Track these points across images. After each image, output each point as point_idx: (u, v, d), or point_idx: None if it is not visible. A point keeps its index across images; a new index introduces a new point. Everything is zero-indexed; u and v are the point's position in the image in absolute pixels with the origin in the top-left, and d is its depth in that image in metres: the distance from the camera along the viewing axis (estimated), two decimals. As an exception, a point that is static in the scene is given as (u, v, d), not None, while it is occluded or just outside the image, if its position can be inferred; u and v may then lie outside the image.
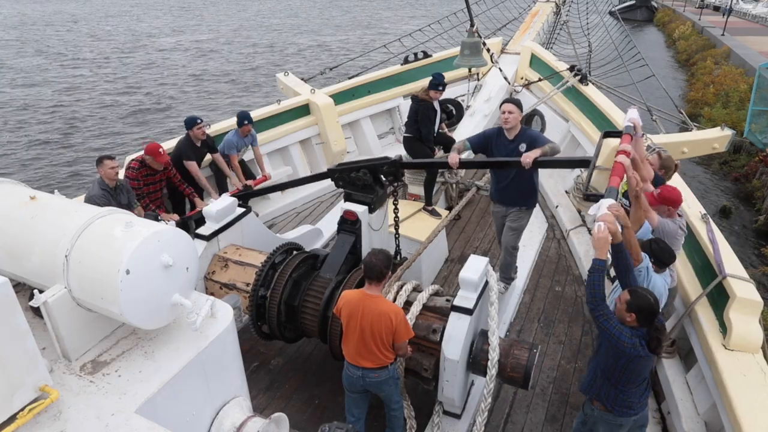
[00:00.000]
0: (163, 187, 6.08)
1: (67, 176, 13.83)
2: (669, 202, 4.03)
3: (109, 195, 5.08)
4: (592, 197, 3.74)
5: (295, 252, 4.63)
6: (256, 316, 4.37)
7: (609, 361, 3.18)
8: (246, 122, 6.75)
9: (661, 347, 3.09)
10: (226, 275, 4.56)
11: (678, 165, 4.73)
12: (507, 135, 4.87)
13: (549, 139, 4.81)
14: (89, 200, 4.95)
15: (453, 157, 4.61)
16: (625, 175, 3.68)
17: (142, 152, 5.77)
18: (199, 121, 6.37)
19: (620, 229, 3.19)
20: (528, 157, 4.32)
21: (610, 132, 4.46)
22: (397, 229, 5.08)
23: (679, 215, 4.20)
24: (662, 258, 3.61)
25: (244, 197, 6.36)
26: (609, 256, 3.48)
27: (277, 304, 4.28)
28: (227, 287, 4.51)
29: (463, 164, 4.80)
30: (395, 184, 4.93)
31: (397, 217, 5.05)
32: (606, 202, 3.17)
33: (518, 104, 4.85)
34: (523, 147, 4.76)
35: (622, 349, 3.04)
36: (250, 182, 6.76)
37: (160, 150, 5.64)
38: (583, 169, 7.42)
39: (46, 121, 18.43)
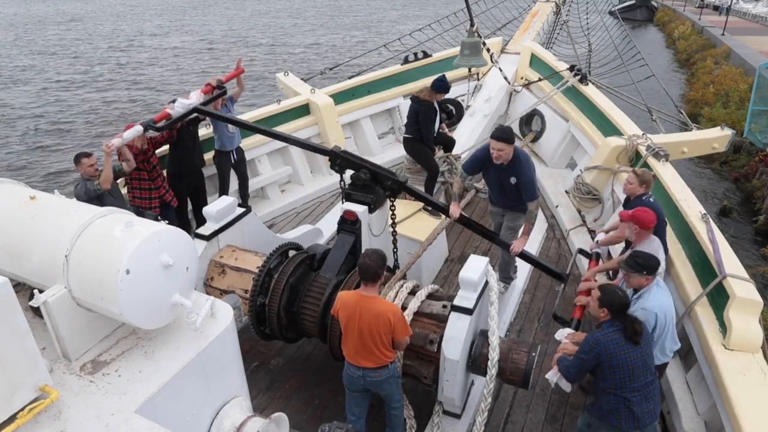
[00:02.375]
0: (157, 167, 5.83)
1: (66, 176, 13.82)
2: (642, 224, 4.08)
3: (93, 183, 4.99)
4: (560, 319, 4.43)
5: (291, 253, 4.59)
6: (257, 322, 4.39)
7: (598, 374, 3.27)
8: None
9: (637, 335, 3.18)
10: (224, 281, 4.55)
11: (655, 176, 4.95)
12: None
13: (534, 190, 4.85)
14: (77, 191, 4.92)
15: (455, 210, 4.93)
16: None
17: None
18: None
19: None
20: (516, 247, 4.85)
21: (582, 251, 5.18)
22: (395, 241, 5.06)
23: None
24: (649, 264, 3.60)
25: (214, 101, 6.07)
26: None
27: (276, 311, 4.29)
28: (227, 294, 4.50)
29: (462, 221, 4.99)
30: (392, 199, 4.93)
31: (394, 225, 5.03)
32: (567, 332, 3.86)
33: (508, 139, 4.67)
34: (513, 180, 4.86)
35: (602, 348, 3.18)
36: (221, 77, 6.19)
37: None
38: (582, 169, 7.43)
39: (46, 121, 18.43)
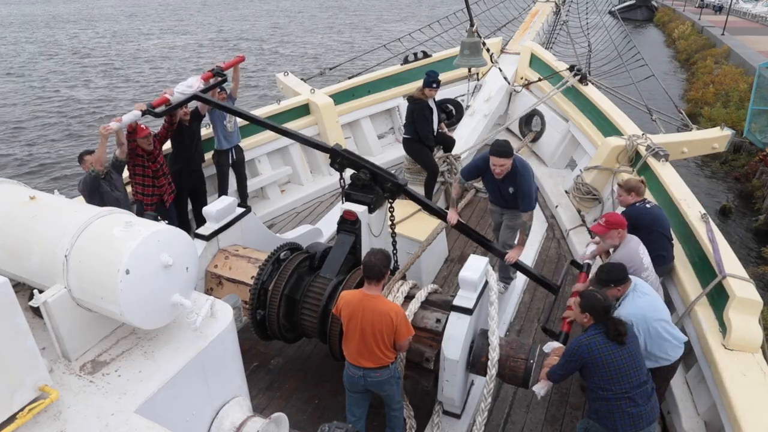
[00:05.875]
0: (163, 167, 5.81)
1: (66, 176, 13.82)
2: (617, 225, 4.14)
3: (100, 179, 5.00)
4: (549, 332, 4.38)
5: (285, 258, 4.47)
6: (260, 331, 4.41)
7: (585, 375, 3.32)
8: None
9: (621, 335, 3.20)
10: (222, 293, 4.53)
11: (644, 181, 4.87)
12: None
13: (531, 201, 4.83)
14: (84, 189, 4.95)
15: (452, 216, 4.98)
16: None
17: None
18: None
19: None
20: (511, 258, 4.87)
21: (574, 262, 5.02)
22: (394, 242, 5.06)
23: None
24: (614, 277, 3.63)
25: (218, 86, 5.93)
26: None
27: (276, 321, 4.30)
28: None
29: (459, 228, 5.02)
30: (391, 201, 4.93)
31: (393, 226, 5.02)
32: (554, 345, 3.84)
33: (507, 153, 4.67)
34: (511, 190, 4.91)
35: (585, 350, 3.23)
36: (221, 64, 5.93)
37: (141, 125, 5.47)
38: (582, 169, 7.42)
39: (46, 121, 18.43)
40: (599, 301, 3.30)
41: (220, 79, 5.84)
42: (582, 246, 6.49)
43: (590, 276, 4.74)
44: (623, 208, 4.84)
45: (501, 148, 4.68)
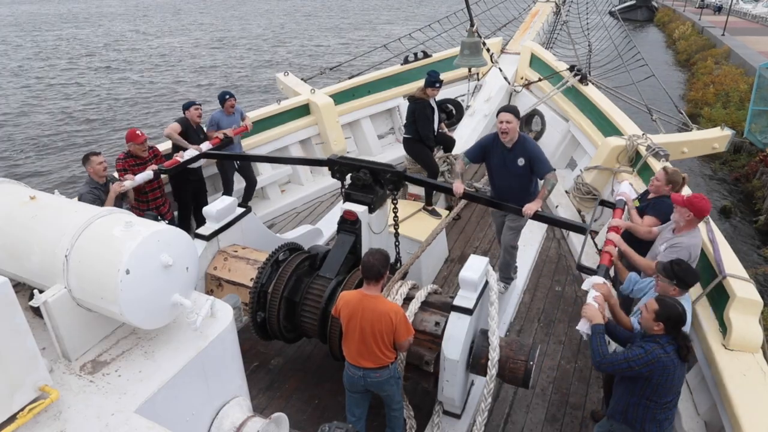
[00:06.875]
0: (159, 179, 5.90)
1: (66, 176, 13.82)
2: (694, 209, 3.83)
3: (99, 191, 5.05)
4: (585, 269, 4.13)
5: (284, 259, 4.46)
6: (261, 332, 4.42)
7: (636, 385, 3.17)
8: (228, 97, 6.79)
9: (689, 354, 3.10)
10: (223, 295, 4.53)
11: (686, 178, 4.58)
12: (504, 143, 4.83)
13: (548, 162, 4.78)
14: (80, 199, 4.97)
15: (458, 187, 4.83)
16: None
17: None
18: (197, 103, 6.38)
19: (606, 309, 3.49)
20: (530, 209, 4.61)
21: (605, 201, 4.96)
22: (397, 236, 5.06)
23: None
24: (686, 279, 3.43)
25: (224, 148, 6.55)
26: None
27: (276, 323, 4.31)
28: None
29: (467, 197, 4.93)
30: (395, 192, 4.92)
31: (397, 222, 5.01)
32: (595, 280, 3.64)
33: (515, 112, 4.71)
34: (521, 161, 4.78)
35: (662, 366, 3.03)
36: (229, 131, 6.61)
37: (138, 132, 5.62)
38: (582, 169, 7.42)
39: (46, 121, 18.44)
40: (678, 313, 3.06)
41: (226, 142, 6.59)
42: (586, 247, 6.47)
43: (624, 213, 4.60)
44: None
45: (508, 106, 4.76)
